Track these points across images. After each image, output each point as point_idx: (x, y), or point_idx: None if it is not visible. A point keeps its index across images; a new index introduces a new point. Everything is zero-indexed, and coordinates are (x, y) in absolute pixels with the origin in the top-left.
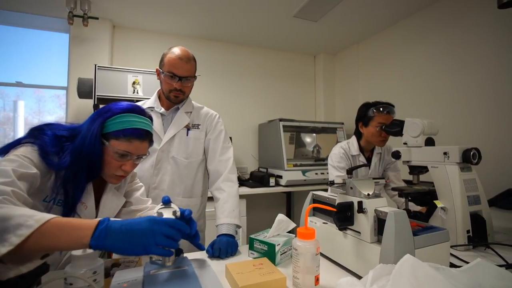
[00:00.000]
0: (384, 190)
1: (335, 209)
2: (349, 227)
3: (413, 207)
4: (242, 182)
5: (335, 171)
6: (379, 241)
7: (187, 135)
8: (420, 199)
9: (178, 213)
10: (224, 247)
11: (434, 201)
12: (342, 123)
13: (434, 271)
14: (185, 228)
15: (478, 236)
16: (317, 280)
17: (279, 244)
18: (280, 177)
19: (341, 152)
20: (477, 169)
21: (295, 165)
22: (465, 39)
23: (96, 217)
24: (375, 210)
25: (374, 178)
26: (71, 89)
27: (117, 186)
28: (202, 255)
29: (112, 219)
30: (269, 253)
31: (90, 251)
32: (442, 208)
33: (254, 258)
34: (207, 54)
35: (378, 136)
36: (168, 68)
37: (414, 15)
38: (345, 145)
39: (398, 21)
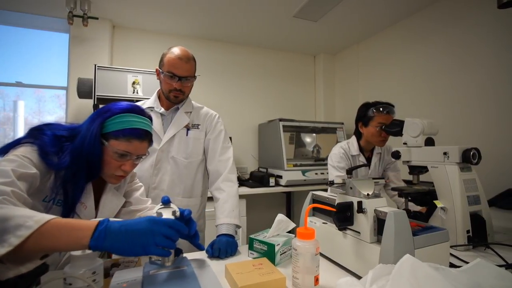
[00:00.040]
0: (384, 190)
1: (334, 209)
2: (349, 227)
3: (413, 207)
4: (242, 182)
5: (335, 171)
6: (378, 241)
7: (186, 135)
8: (420, 199)
9: (178, 213)
10: (223, 247)
11: (434, 201)
12: (342, 123)
13: (433, 271)
14: (184, 229)
15: (478, 236)
16: (316, 280)
17: (279, 244)
18: (280, 177)
19: (341, 152)
20: (477, 169)
21: (295, 165)
22: (465, 39)
23: (95, 217)
24: (375, 210)
25: (374, 178)
26: (71, 89)
27: (116, 186)
28: (201, 255)
29: (111, 219)
30: (269, 253)
31: (89, 251)
32: (442, 208)
33: (254, 258)
34: (207, 54)
35: (378, 136)
36: (168, 68)
37: (414, 15)
38: (345, 145)
39: (398, 21)
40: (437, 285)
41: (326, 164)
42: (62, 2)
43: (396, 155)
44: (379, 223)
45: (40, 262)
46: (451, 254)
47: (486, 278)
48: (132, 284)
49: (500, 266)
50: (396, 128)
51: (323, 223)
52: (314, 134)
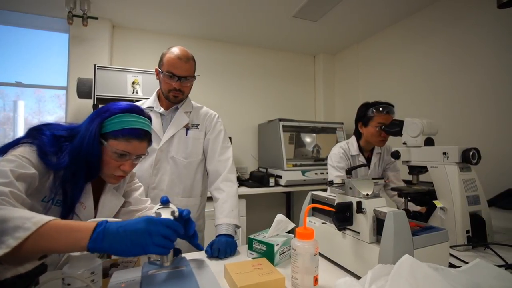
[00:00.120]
0: (384, 190)
1: (334, 209)
2: (348, 227)
3: (413, 207)
4: (241, 182)
5: (334, 171)
6: (378, 241)
7: (186, 135)
8: (420, 199)
9: (177, 213)
10: (223, 247)
11: (434, 201)
12: (342, 123)
13: (433, 272)
14: (180, 229)
15: (478, 236)
16: (316, 280)
17: (278, 244)
18: (280, 177)
19: (340, 152)
20: (477, 169)
21: (294, 165)
22: (465, 39)
23: (95, 217)
24: (374, 210)
25: (373, 178)
26: (71, 89)
27: (116, 186)
28: (201, 255)
29: (110, 220)
30: (268, 253)
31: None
32: (441, 208)
33: (253, 258)
34: (207, 54)
35: (377, 136)
36: (167, 68)
37: (414, 15)
38: (344, 145)
39: (398, 21)
40: (436, 285)
41: (325, 164)
42: (61, 2)
43: (396, 155)
44: (379, 223)
45: (39, 262)
46: (451, 254)
47: (486, 278)
48: (131, 284)
49: (499, 266)
50: (395, 128)
51: (323, 223)
52: (314, 134)
